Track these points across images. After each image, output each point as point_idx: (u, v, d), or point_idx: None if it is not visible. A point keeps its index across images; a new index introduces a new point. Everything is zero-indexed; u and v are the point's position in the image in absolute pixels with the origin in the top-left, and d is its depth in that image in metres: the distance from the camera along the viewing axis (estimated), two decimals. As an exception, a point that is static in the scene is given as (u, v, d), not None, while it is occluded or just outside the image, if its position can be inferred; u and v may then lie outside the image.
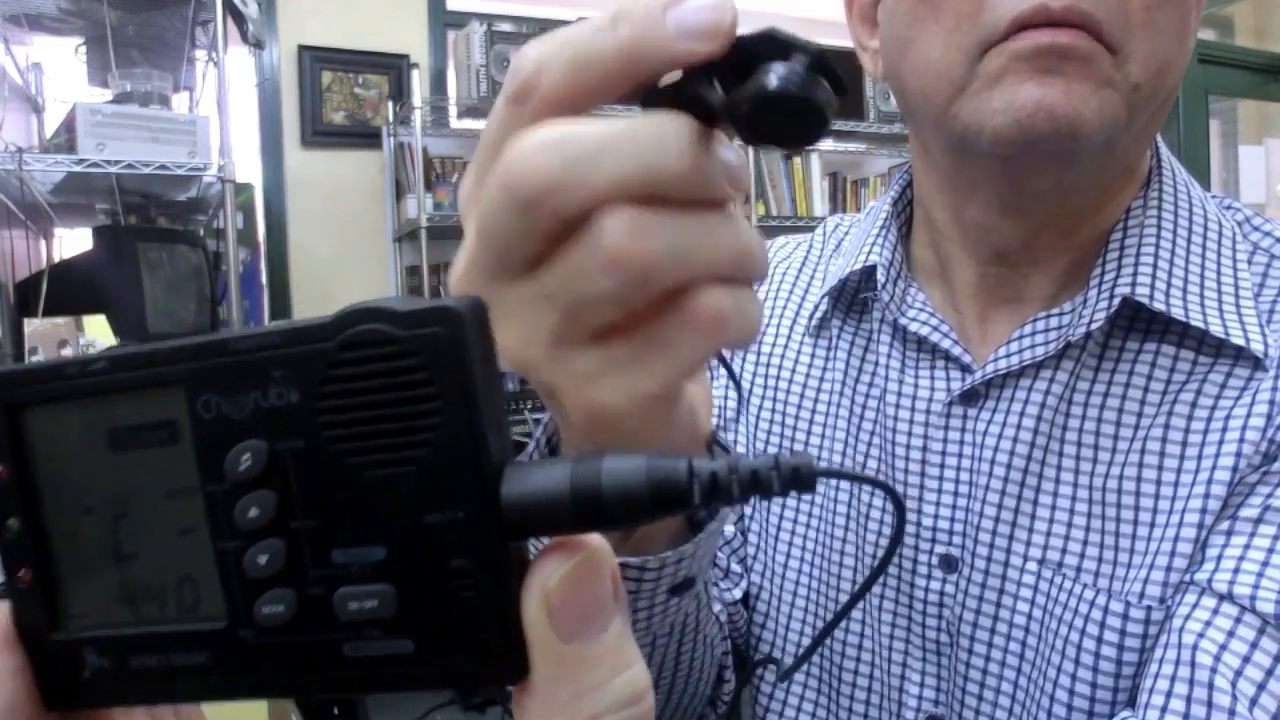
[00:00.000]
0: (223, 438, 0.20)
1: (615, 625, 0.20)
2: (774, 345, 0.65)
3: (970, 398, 0.54)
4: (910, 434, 0.56)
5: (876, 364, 0.59)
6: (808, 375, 0.63)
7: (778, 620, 0.61)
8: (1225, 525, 0.46)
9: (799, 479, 0.20)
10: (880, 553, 0.56)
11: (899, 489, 0.56)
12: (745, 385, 0.65)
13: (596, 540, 0.20)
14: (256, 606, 0.20)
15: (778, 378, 0.64)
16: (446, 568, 0.19)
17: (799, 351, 0.63)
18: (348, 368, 0.19)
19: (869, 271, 0.59)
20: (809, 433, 0.62)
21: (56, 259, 2.50)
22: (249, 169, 3.13)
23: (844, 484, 0.59)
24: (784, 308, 0.66)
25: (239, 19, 2.03)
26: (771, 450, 0.62)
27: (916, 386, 0.56)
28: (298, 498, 0.20)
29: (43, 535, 0.21)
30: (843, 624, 0.58)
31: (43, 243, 2.56)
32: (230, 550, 0.20)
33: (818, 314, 0.62)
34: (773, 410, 0.63)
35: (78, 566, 0.21)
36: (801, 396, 0.62)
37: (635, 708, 0.19)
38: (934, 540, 0.54)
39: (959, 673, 0.53)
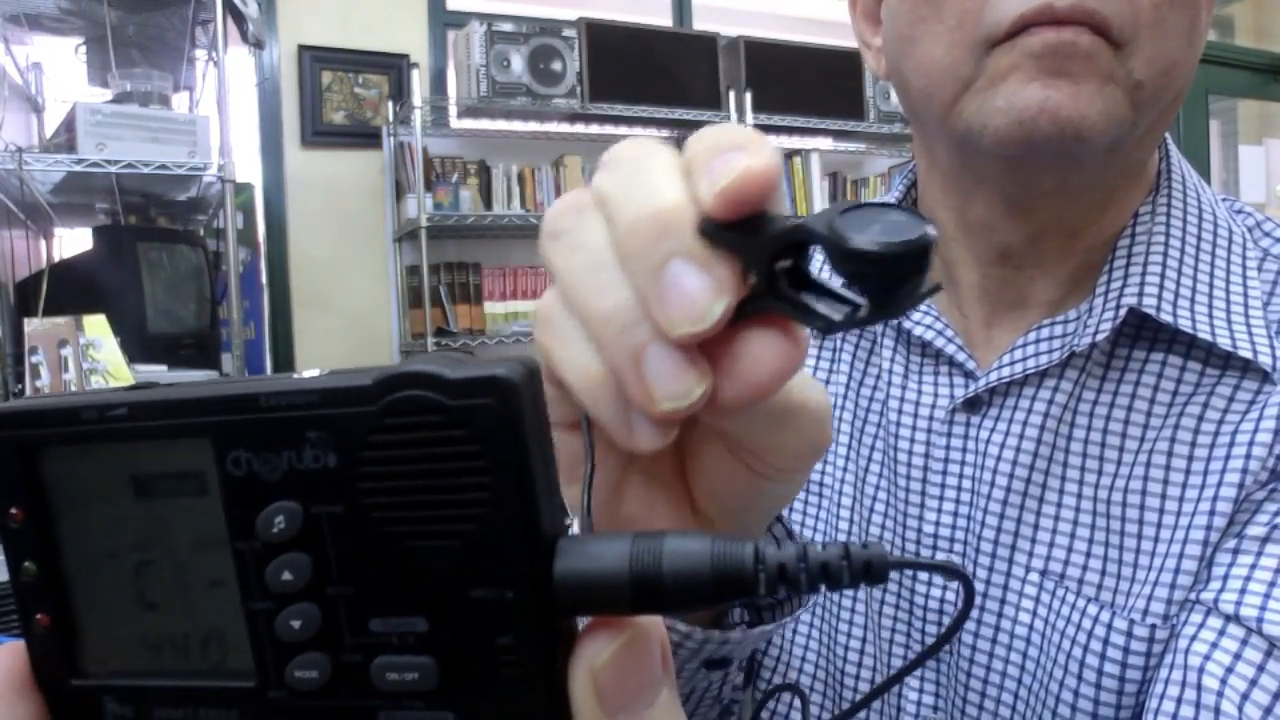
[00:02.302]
0: (253, 496, 0.19)
1: (663, 698, 0.19)
2: None
3: (973, 405, 0.54)
4: (913, 440, 0.55)
5: (880, 369, 0.58)
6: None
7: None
8: (1232, 544, 0.45)
9: (870, 572, 0.19)
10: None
11: (901, 495, 0.55)
12: None
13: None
14: (289, 669, 0.19)
15: None
16: (492, 643, 0.19)
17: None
18: (391, 434, 0.18)
19: None
20: None
21: (56, 259, 2.50)
22: (249, 169, 3.12)
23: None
24: None
25: (239, 19, 2.03)
26: None
27: (920, 393, 0.56)
28: (334, 564, 0.19)
29: (62, 579, 0.21)
30: (845, 627, 0.57)
31: (43, 242, 2.56)
32: (261, 611, 0.20)
33: None
34: None
35: (99, 612, 0.21)
36: None
37: None
38: (935, 547, 0.54)
39: (959, 680, 0.53)
